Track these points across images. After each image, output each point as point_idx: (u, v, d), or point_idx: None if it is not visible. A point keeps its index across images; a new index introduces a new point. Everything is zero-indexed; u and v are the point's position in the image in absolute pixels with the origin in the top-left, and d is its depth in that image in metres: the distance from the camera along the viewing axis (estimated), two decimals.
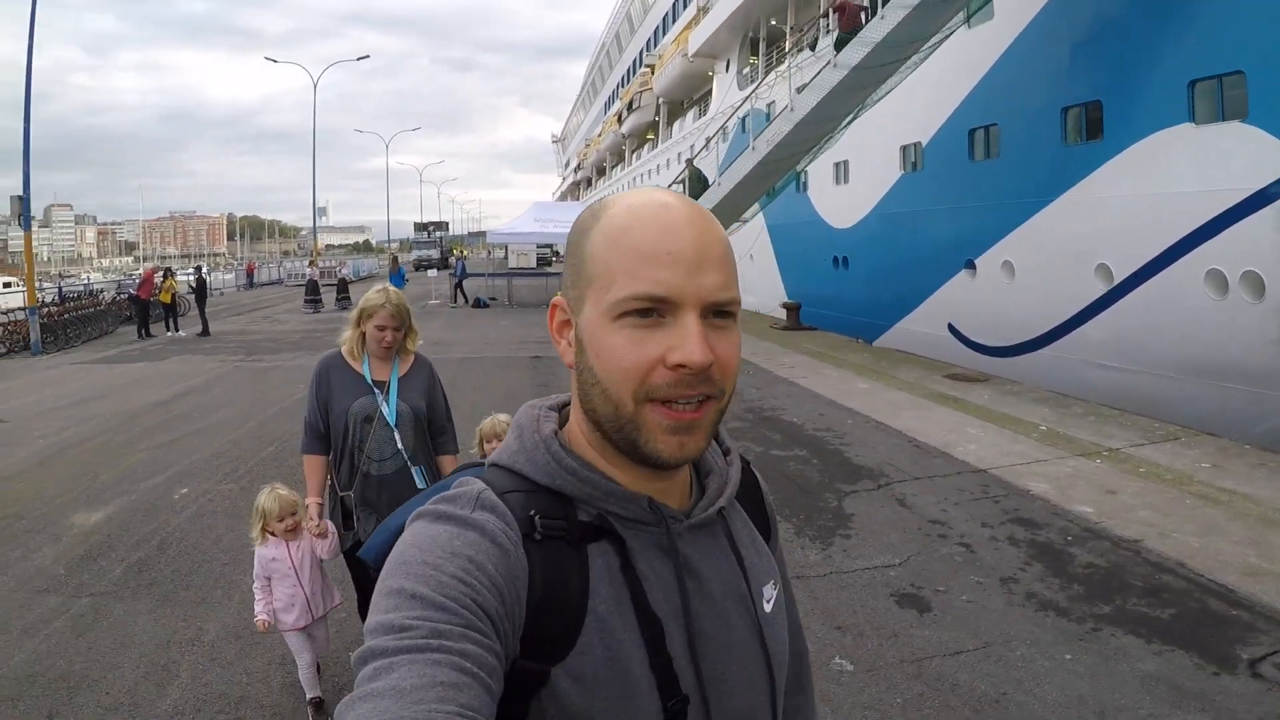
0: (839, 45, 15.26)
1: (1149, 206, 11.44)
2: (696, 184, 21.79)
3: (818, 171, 22.02)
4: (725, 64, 33.64)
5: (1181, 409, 10.89)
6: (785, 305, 22.14)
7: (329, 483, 4.12)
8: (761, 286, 26.12)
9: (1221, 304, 10.49)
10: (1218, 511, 6.71)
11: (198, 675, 4.59)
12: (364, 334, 4.03)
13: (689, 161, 24.46)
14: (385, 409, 4.01)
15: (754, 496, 1.26)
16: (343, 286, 34.03)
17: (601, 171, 73.04)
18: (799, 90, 16.79)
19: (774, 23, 29.34)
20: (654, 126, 48.93)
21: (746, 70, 30.61)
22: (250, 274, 54.85)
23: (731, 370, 0.99)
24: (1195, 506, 6.84)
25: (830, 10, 18.53)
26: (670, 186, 25.99)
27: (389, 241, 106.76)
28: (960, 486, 7.75)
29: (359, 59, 59.99)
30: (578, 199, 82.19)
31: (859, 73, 14.63)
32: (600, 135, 68.28)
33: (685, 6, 39.54)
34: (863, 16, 15.03)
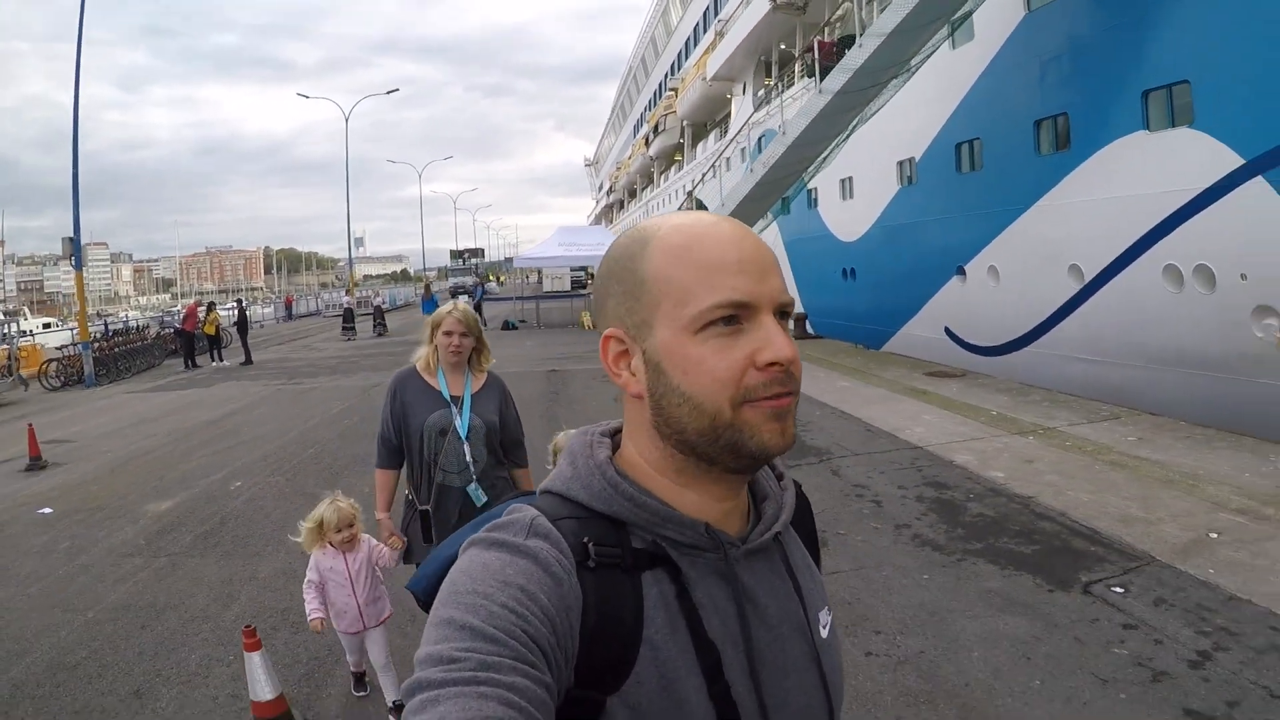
0: (822, 75, 16.37)
1: (1111, 209, 12.32)
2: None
3: (826, 189, 23.06)
4: (742, 87, 34.69)
5: (1152, 396, 11.73)
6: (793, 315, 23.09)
7: (408, 496, 4.27)
8: None
9: (1179, 296, 11.31)
10: (1121, 475, 7.65)
11: (254, 598, 6.07)
12: (437, 347, 4.18)
13: (690, 193, 25.66)
14: (459, 422, 4.13)
15: (805, 520, 1.27)
16: (379, 314, 35.43)
17: (633, 194, 74.32)
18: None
19: (783, 47, 30.39)
20: (680, 148, 50.07)
21: (761, 92, 31.63)
22: (289, 307, 57.04)
23: (799, 367, 1.01)
24: (1102, 471, 7.80)
25: (810, 47, 19.92)
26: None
27: (425, 270, 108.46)
28: (893, 460, 8.91)
29: (389, 92, 60.80)
30: (611, 221, 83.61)
31: (843, 96, 15.71)
32: (630, 158, 69.54)
33: (705, 31, 40.65)
34: (833, 54, 16.29)
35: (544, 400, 13.80)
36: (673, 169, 53.04)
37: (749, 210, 21.06)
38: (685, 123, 46.73)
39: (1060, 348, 13.87)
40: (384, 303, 42.38)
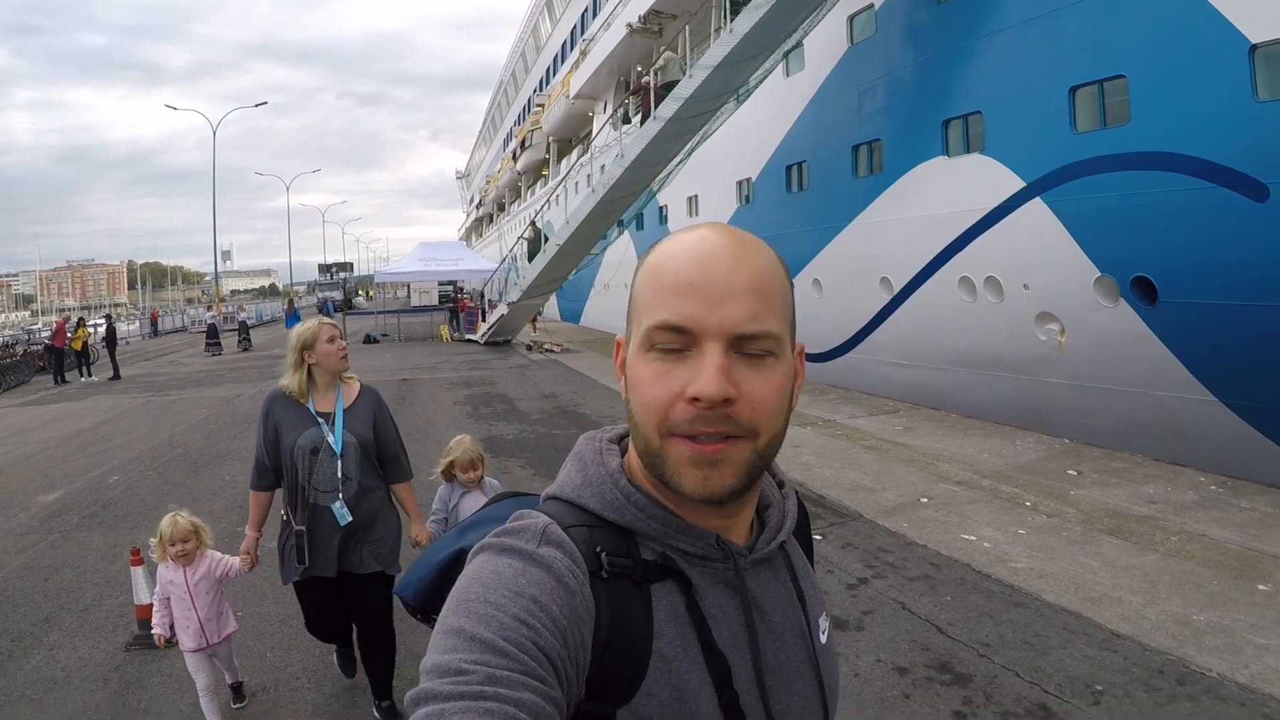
0: (644, 116, 17.76)
1: (916, 226, 13.53)
2: (537, 242, 24.78)
3: (676, 206, 24.10)
4: (604, 105, 35.55)
5: (959, 396, 12.97)
6: None
7: (284, 516, 4.21)
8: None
9: (973, 305, 12.51)
10: (870, 455, 8.81)
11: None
12: (309, 369, 4.12)
13: (532, 222, 26.77)
14: (331, 439, 4.07)
15: (803, 526, 1.28)
16: (243, 329, 35.59)
17: (502, 207, 74.43)
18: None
19: (639, 69, 31.40)
20: (546, 164, 50.66)
21: (620, 111, 32.67)
22: (154, 322, 55.76)
23: (766, 411, 0.97)
24: (855, 453, 8.98)
25: (634, 90, 22.04)
26: (515, 244, 28.78)
27: (293, 284, 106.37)
28: None
29: (257, 105, 59.95)
30: (480, 235, 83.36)
31: (676, 123, 16.74)
32: (499, 172, 69.68)
33: (572, 49, 41.37)
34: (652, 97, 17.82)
35: (390, 400, 14.45)
36: (539, 184, 53.59)
37: (593, 228, 21.99)
38: (551, 139, 47.36)
39: (877, 353, 15.06)
40: (249, 318, 42.07)
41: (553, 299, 39.11)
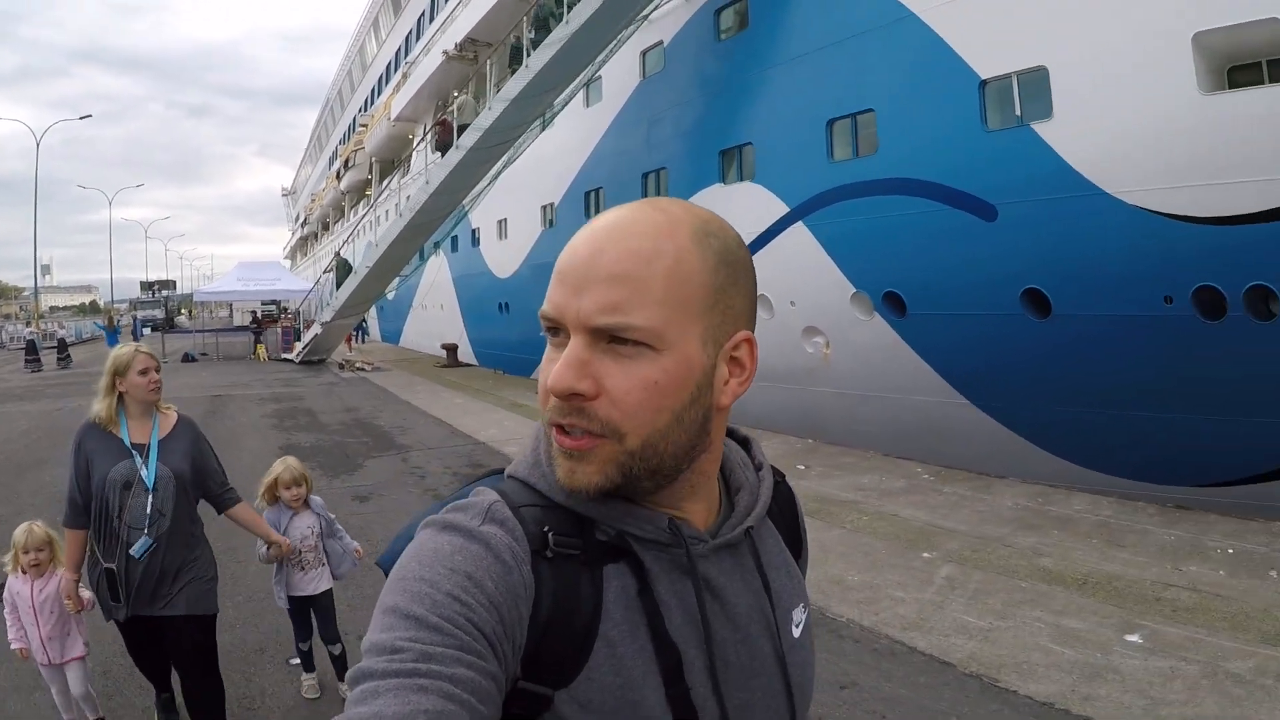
0: (441, 149, 18.78)
1: None
2: (343, 272, 25.20)
3: (487, 228, 24.48)
4: (423, 128, 35.57)
5: (744, 407, 13.63)
6: (444, 345, 25.39)
7: (91, 554, 3.99)
8: (451, 331, 28.30)
9: None
10: None
11: None
12: (120, 395, 3.93)
13: (337, 253, 27.18)
14: (144, 472, 3.87)
15: (789, 514, 1.23)
16: (62, 346, 34.80)
17: (326, 226, 72.92)
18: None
19: (456, 94, 31.68)
20: (368, 184, 50.08)
21: (430, 138, 33.00)
22: None
23: (627, 407, 0.92)
24: None
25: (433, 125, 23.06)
26: (323, 274, 29.26)
27: (114, 301, 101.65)
28: (455, 451, 11.54)
29: (82, 117, 56.50)
30: (305, 254, 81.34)
31: (477, 152, 17.32)
32: (324, 190, 68.36)
33: (395, 71, 41.22)
34: (453, 133, 18.51)
35: (201, 415, 15.03)
36: (362, 203, 52.93)
37: (401, 250, 22.37)
38: (374, 159, 46.91)
39: None
40: (68, 335, 40.49)
41: (376, 322, 38.65)
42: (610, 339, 0.91)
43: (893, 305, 10.94)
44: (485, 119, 16.46)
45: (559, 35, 14.37)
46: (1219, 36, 7.86)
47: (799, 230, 12.13)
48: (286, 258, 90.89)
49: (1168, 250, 8.21)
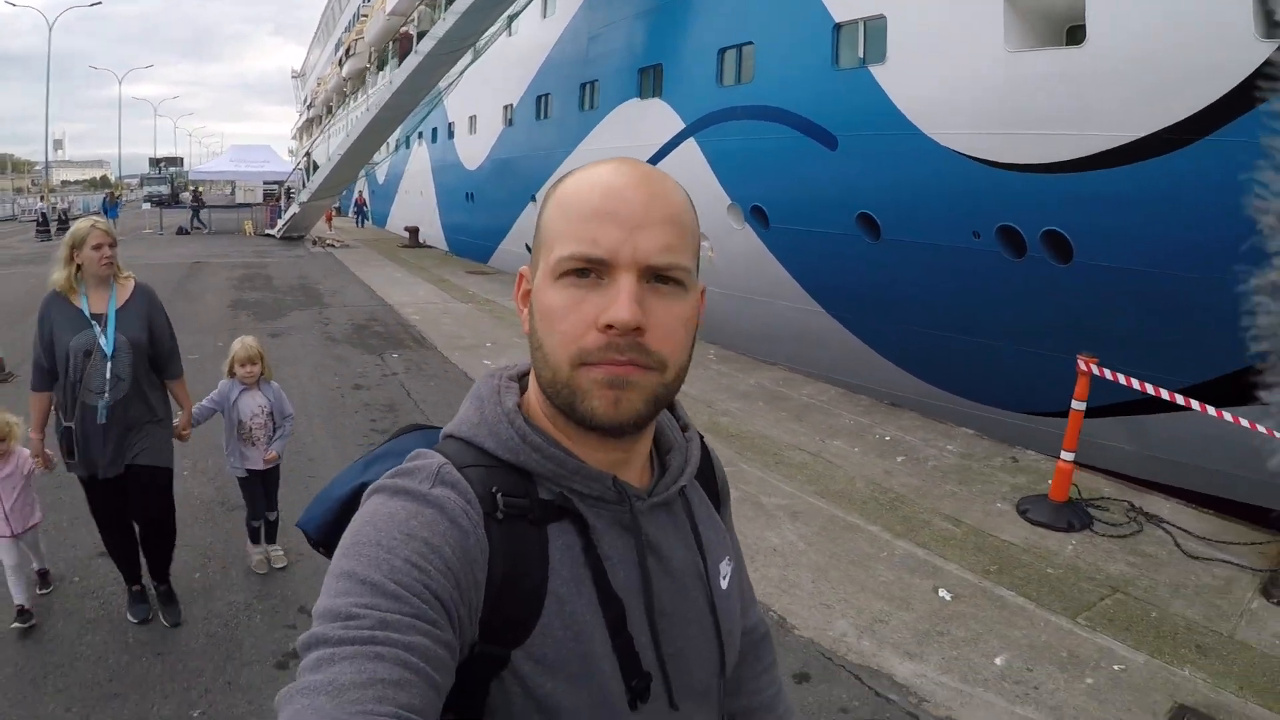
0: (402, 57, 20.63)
1: (615, 154, 16.04)
2: (312, 171, 28.40)
3: (460, 123, 26.41)
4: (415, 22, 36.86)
5: None
6: (406, 228, 28.60)
7: (56, 414, 4.27)
8: (428, 217, 30.84)
9: None
10: (488, 319, 12.96)
11: None
12: (79, 266, 4.15)
13: (307, 153, 29.77)
14: (103, 341, 4.07)
15: (706, 472, 1.27)
16: (63, 218, 37.18)
17: (330, 111, 73.74)
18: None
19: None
20: (367, 73, 51.13)
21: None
22: None
23: (674, 343, 0.98)
24: (480, 319, 13.21)
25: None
26: (293, 173, 32.67)
27: (121, 177, 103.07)
28: (362, 308, 14.83)
29: (92, 4, 56.27)
30: (310, 135, 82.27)
31: (433, 58, 19.60)
32: (329, 76, 68.94)
33: None
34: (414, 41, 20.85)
35: (178, 278, 18.26)
36: (361, 91, 53.98)
37: (368, 142, 25.00)
38: (372, 50, 47.89)
39: None
40: (79, 208, 42.57)
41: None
42: (655, 278, 0.96)
43: (759, 218, 12.74)
44: (440, 28, 18.61)
45: None
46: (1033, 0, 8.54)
47: (690, 145, 14.05)
48: (294, 138, 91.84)
49: (975, 190, 9.03)
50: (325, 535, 1.10)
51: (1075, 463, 6.39)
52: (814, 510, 6.33)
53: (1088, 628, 4.78)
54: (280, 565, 5.26)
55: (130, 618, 4.54)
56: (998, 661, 4.36)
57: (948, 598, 5.03)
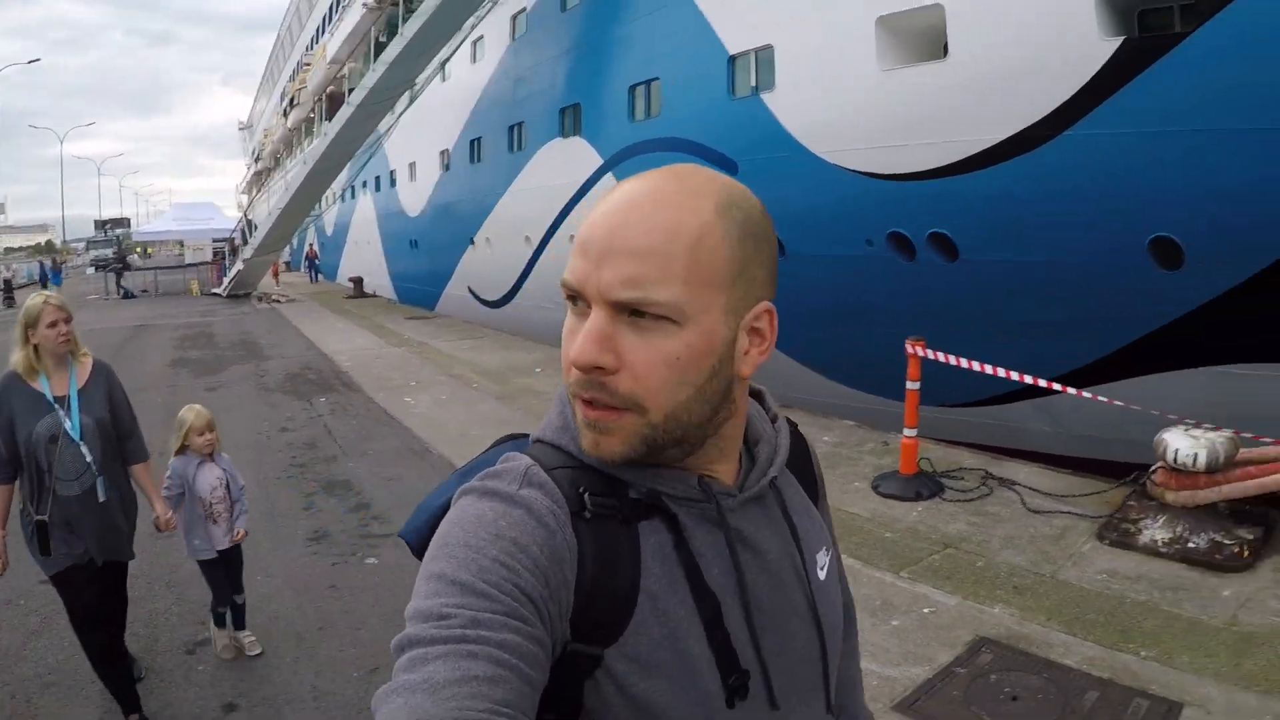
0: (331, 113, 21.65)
1: (543, 193, 16.87)
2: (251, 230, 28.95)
3: (401, 169, 27.09)
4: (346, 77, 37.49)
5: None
6: (350, 279, 28.77)
7: (23, 508, 3.98)
8: (374, 266, 31.45)
9: None
10: (418, 361, 13.76)
11: None
12: (36, 347, 3.91)
13: (244, 214, 30.56)
14: (69, 425, 3.91)
15: (802, 460, 1.24)
16: (6, 286, 36.72)
17: (278, 162, 73.73)
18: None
19: (381, 39, 33.53)
20: (313, 123, 51.40)
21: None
22: None
23: (654, 382, 0.94)
24: (410, 360, 13.89)
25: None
26: (234, 231, 32.96)
27: (65, 242, 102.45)
28: (299, 359, 14.96)
29: (30, 61, 57.30)
30: (259, 189, 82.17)
31: (364, 108, 20.21)
32: (275, 127, 68.98)
33: (338, 9, 42.57)
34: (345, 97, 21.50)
35: (120, 344, 18.28)
36: (308, 141, 54.21)
37: (308, 194, 25.62)
38: (315, 99, 48.25)
39: (530, 299, 18.53)
40: (14, 277, 42.38)
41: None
42: (632, 312, 0.92)
43: None
44: (370, 79, 19.16)
45: (427, 7, 16.81)
46: (900, 20, 9.02)
47: (609, 180, 14.60)
48: (243, 193, 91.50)
49: (863, 202, 9.55)
50: (426, 544, 1.05)
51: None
52: None
53: (909, 580, 5.13)
54: (254, 652, 4.74)
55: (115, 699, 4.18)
56: None
57: None
